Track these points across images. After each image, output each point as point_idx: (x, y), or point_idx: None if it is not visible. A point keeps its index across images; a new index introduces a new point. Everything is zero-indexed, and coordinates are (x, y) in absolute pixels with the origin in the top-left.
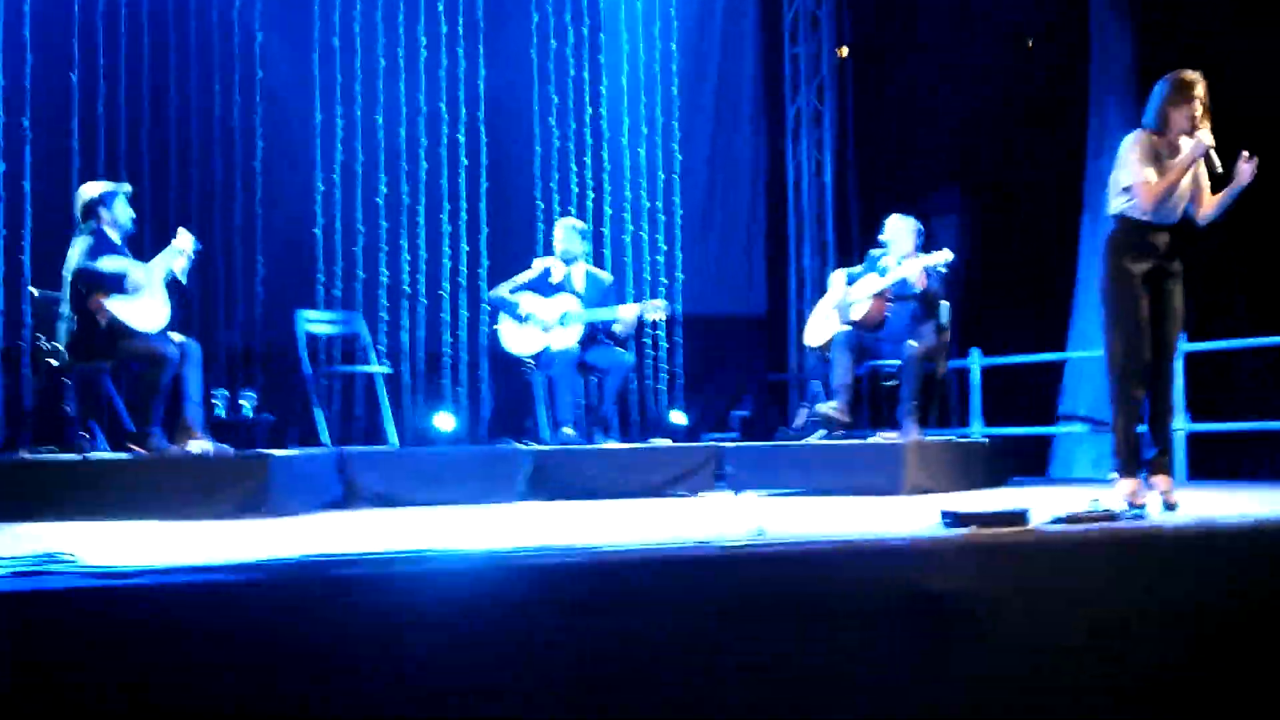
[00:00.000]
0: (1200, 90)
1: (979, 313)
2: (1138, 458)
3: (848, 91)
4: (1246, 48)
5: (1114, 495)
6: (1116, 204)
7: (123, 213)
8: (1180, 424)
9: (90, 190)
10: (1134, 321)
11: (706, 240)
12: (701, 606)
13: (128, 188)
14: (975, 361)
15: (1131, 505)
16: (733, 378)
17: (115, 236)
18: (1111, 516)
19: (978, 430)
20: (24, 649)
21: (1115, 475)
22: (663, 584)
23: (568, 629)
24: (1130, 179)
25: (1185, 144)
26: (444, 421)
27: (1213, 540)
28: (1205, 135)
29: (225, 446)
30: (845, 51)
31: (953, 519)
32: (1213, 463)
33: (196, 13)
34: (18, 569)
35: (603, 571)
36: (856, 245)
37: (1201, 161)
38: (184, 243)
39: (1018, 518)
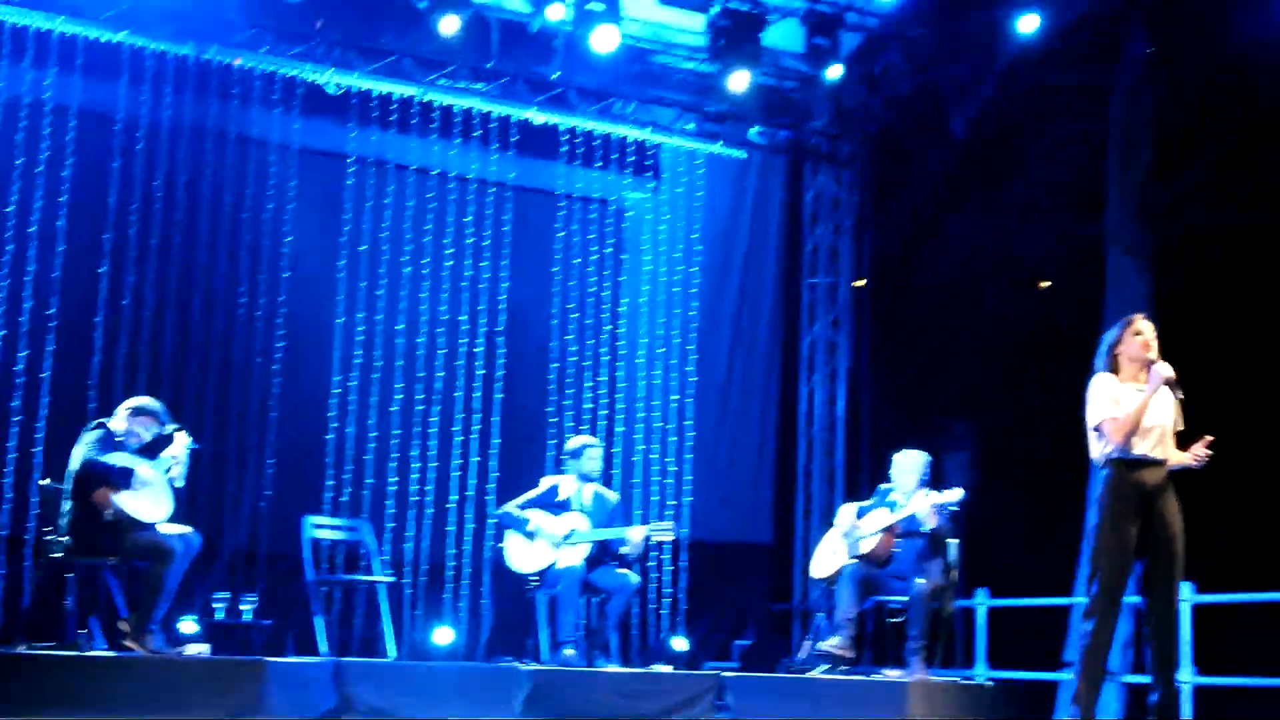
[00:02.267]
0: (1145, 326)
1: (987, 552)
2: (1097, 706)
3: (864, 324)
4: (1260, 290)
5: None
6: (1096, 449)
7: (147, 433)
8: (1186, 676)
9: (143, 400)
10: (1118, 568)
11: (715, 465)
12: None
13: (174, 425)
14: (982, 602)
15: None
16: (736, 606)
17: (123, 439)
18: None
19: (982, 672)
20: None
21: None
22: None
23: None
24: (1096, 417)
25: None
26: (443, 636)
27: None
28: (1162, 366)
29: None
30: (863, 282)
31: None
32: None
33: (229, 212)
34: None
35: None
36: (866, 477)
37: (1171, 399)
38: (179, 447)
39: None
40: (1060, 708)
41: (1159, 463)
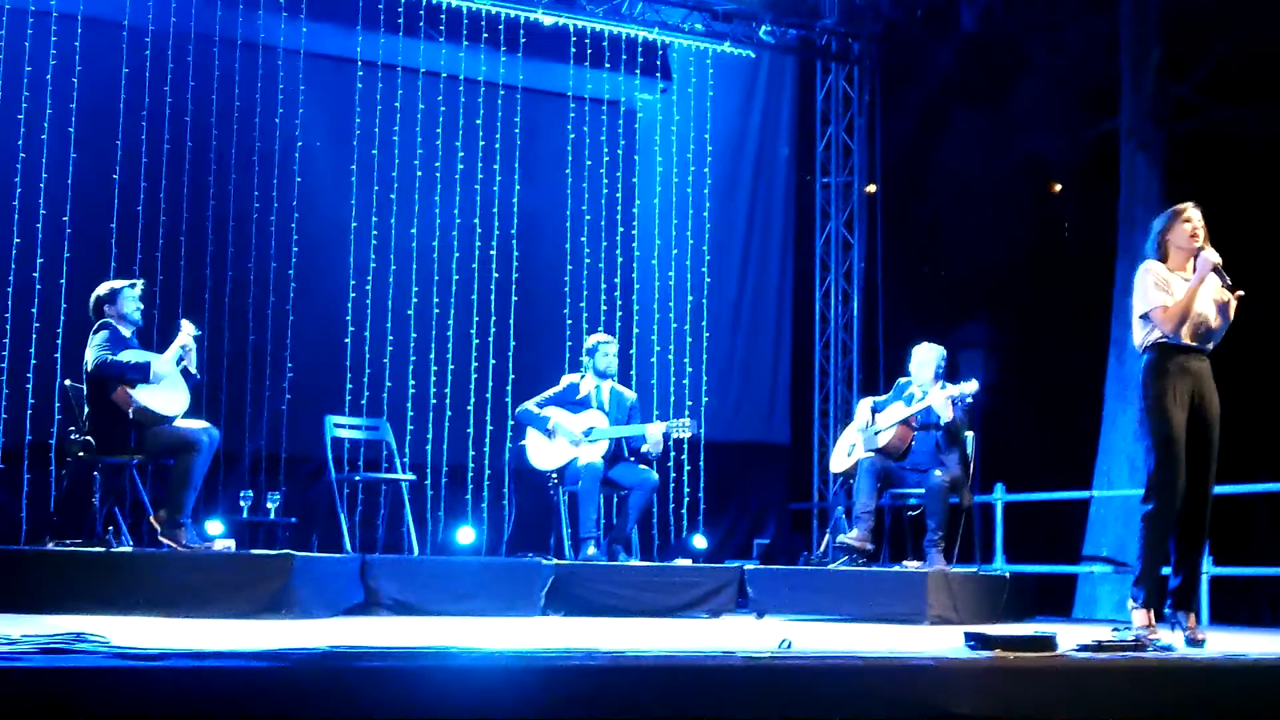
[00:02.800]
0: (1194, 214)
1: (1004, 447)
2: (1161, 589)
3: (877, 223)
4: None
5: (1133, 624)
6: (1141, 335)
7: (130, 307)
8: (1204, 567)
9: (100, 288)
10: (1173, 449)
11: (732, 365)
12: (726, 716)
13: (137, 283)
14: (999, 497)
15: (1151, 637)
16: (755, 505)
17: (126, 331)
18: (1140, 645)
19: (1000, 566)
20: None
21: (1134, 604)
22: (685, 692)
23: None
24: (1145, 306)
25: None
26: (465, 535)
27: (1241, 675)
28: (1210, 253)
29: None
30: (874, 188)
31: (978, 641)
32: (1234, 608)
33: (239, 118)
34: (47, 645)
35: (625, 676)
36: (882, 375)
37: (1218, 284)
38: (187, 334)
39: (1045, 642)
40: (1079, 601)
41: (1203, 351)
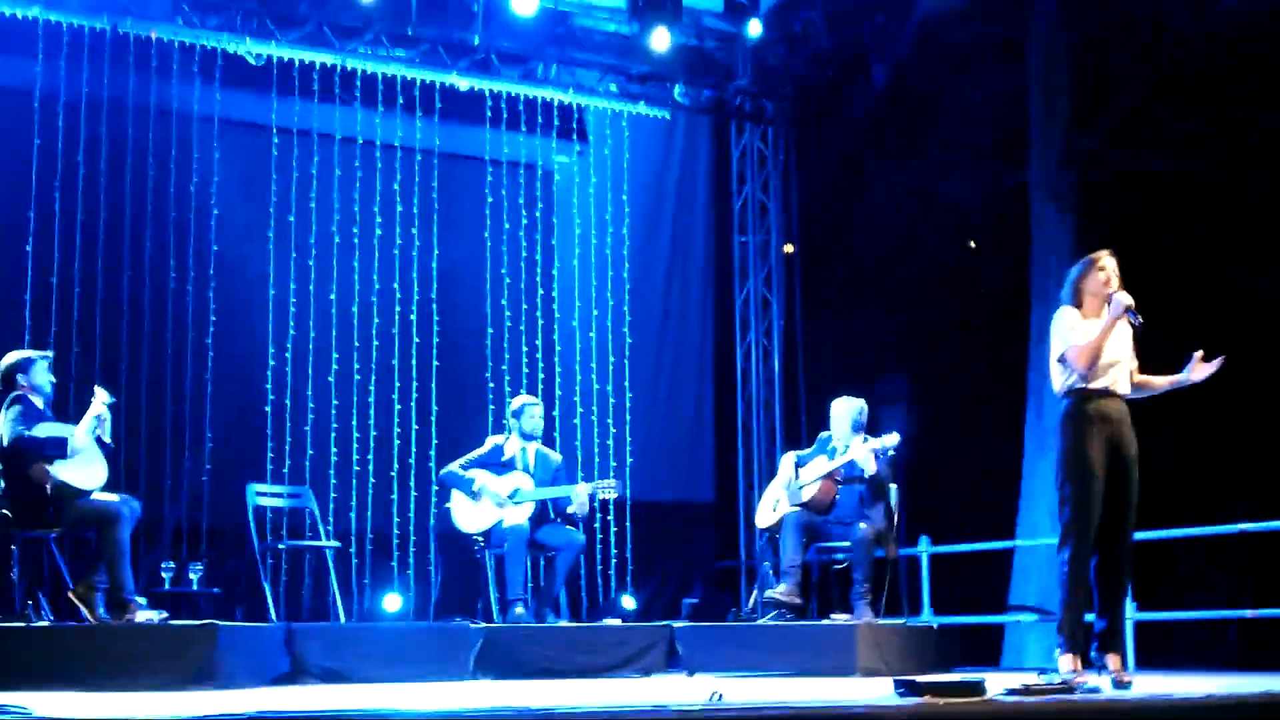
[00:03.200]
0: (1109, 262)
1: (927, 499)
2: (1085, 634)
3: (795, 280)
4: (1180, 236)
5: (1059, 669)
6: (1059, 380)
7: (42, 378)
8: (1127, 613)
9: (9, 358)
10: (1089, 496)
11: (654, 424)
12: None
13: (48, 354)
14: (924, 549)
15: (1077, 681)
16: (682, 564)
17: (39, 402)
18: (1068, 689)
19: (928, 618)
20: None
21: (1060, 650)
22: None
23: None
24: (1061, 346)
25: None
26: (392, 602)
27: (1168, 714)
28: (1123, 295)
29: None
30: (791, 248)
31: (908, 688)
32: (1158, 652)
33: (154, 186)
34: None
35: None
36: (804, 431)
37: (1129, 331)
38: (100, 403)
39: (973, 688)
40: (1006, 651)
41: (1118, 395)
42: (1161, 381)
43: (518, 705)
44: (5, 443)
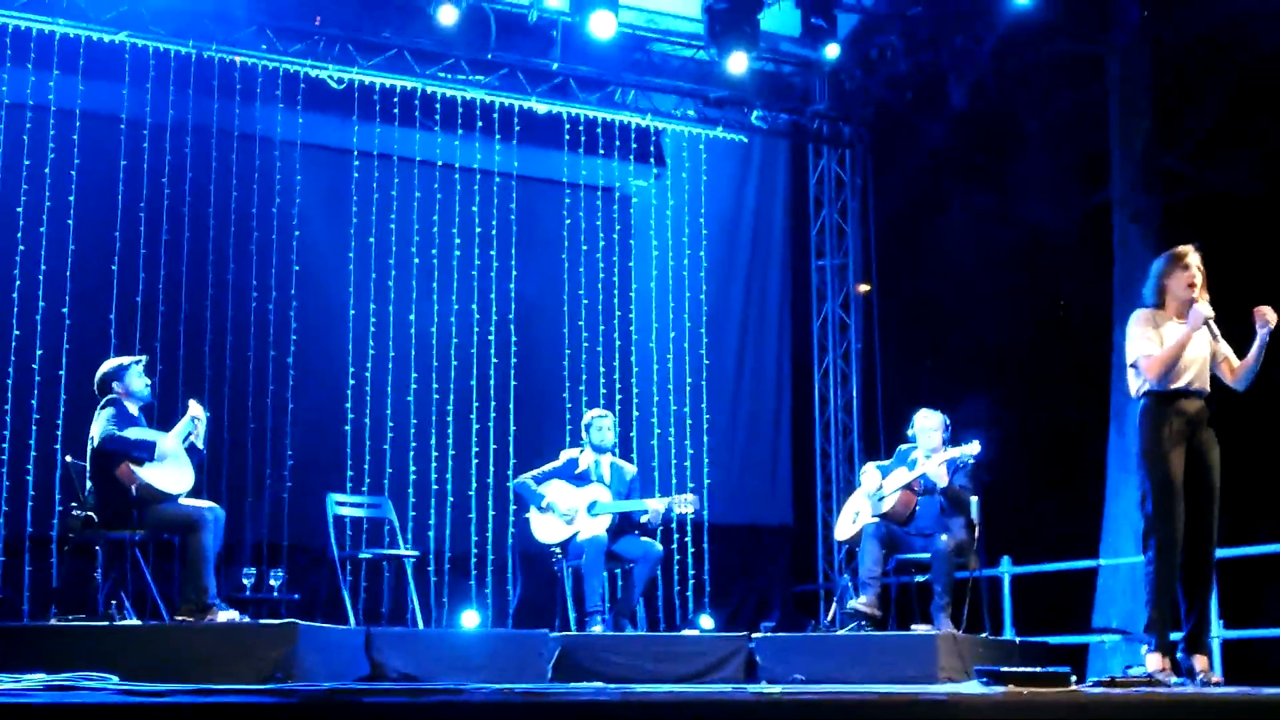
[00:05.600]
0: (1193, 259)
1: (1009, 520)
2: (1169, 633)
3: (874, 304)
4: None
5: (1147, 667)
6: (1135, 383)
7: (138, 383)
8: (1214, 631)
9: (105, 366)
10: (1170, 491)
11: (733, 447)
12: None
13: (141, 358)
14: (1006, 570)
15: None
16: (760, 587)
17: (133, 408)
18: (1155, 682)
19: (1009, 637)
20: None
21: (1147, 649)
22: None
23: None
24: (1134, 354)
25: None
26: (469, 619)
27: (1260, 710)
28: (1203, 307)
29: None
30: (866, 288)
31: (991, 677)
32: (1246, 670)
33: (237, 208)
34: (52, 684)
35: (635, 711)
36: (883, 455)
37: (1209, 337)
38: (196, 412)
39: (1059, 678)
40: (1090, 671)
41: (1198, 394)
42: (1250, 356)
43: (596, 686)
44: (95, 444)
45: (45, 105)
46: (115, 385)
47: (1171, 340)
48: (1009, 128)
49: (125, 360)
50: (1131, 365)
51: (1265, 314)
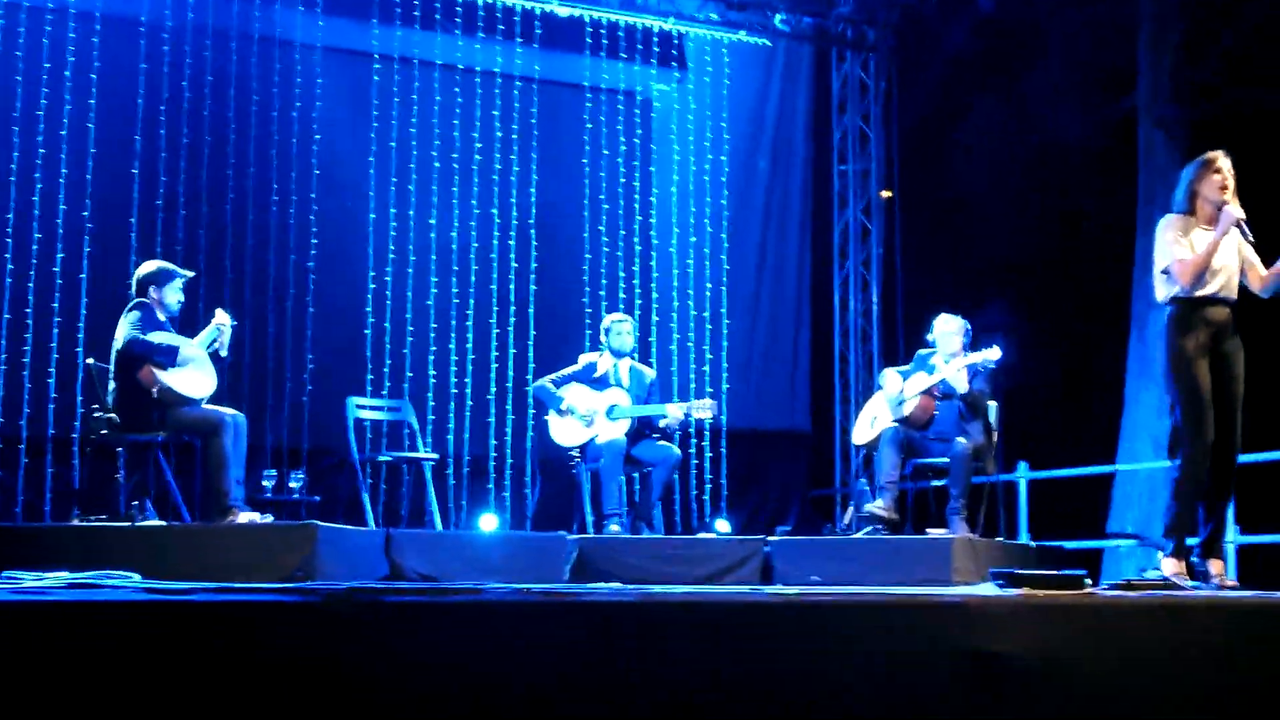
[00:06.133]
0: (1224, 163)
1: (1027, 426)
2: (1186, 538)
3: (895, 209)
4: None
5: (1162, 570)
6: (1163, 290)
7: (171, 296)
8: (1230, 536)
9: (148, 266)
10: (1199, 399)
11: (752, 352)
12: (752, 650)
13: (188, 274)
14: (1023, 475)
15: (1181, 581)
16: (777, 491)
17: (161, 316)
18: (1171, 585)
19: (1024, 541)
20: (76, 660)
21: (1163, 553)
22: (713, 627)
23: (615, 663)
24: (1165, 260)
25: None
26: (488, 522)
27: (1272, 614)
28: (1234, 208)
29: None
30: (889, 194)
31: (1006, 580)
32: (1261, 576)
33: (257, 112)
34: (75, 581)
35: (653, 611)
36: (902, 361)
37: (1240, 239)
38: (222, 320)
39: (1074, 581)
40: (1104, 575)
41: (1225, 301)
42: (1278, 265)
43: (615, 586)
44: (120, 345)
45: (65, 7)
46: (151, 290)
47: (1202, 246)
48: (1036, 35)
49: (172, 269)
50: (1163, 271)
51: None
